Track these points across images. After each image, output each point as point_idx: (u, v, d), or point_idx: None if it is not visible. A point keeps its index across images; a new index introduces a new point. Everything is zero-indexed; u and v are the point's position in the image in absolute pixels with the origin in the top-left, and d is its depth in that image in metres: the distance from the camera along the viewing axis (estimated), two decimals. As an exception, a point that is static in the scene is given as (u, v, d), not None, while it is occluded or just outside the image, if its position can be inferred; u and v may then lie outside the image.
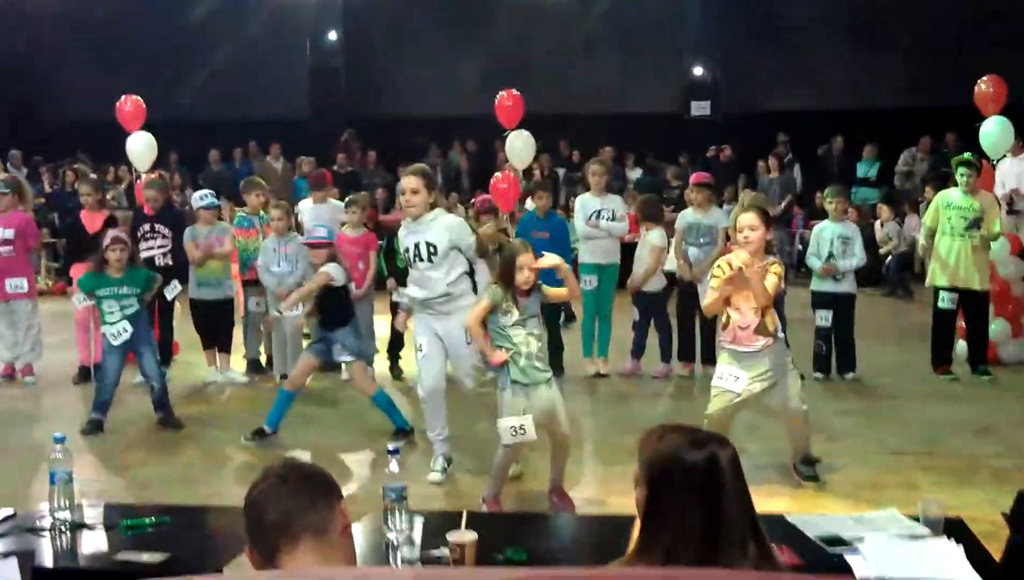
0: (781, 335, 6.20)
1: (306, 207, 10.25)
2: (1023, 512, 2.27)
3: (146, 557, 3.60)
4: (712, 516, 2.43)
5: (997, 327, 9.53)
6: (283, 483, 2.43)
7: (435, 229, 6.48)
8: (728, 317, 6.19)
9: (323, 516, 2.43)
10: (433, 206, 6.62)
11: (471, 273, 6.66)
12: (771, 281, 6.06)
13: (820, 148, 17.74)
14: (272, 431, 7.37)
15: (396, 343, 9.65)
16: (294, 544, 2.36)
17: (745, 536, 2.44)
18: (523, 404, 5.64)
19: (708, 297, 6.33)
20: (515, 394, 5.68)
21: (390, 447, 3.89)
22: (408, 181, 6.54)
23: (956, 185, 9.28)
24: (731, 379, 6.12)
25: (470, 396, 6.91)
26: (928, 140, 17.25)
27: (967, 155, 9.34)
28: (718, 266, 6.27)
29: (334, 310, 7.49)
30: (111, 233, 8.05)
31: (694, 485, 2.45)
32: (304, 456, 6.85)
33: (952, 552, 3.42)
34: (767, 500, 5.91)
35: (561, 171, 17.81)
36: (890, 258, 14.68)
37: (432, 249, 6.46)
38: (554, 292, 6.05)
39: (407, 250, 6.62)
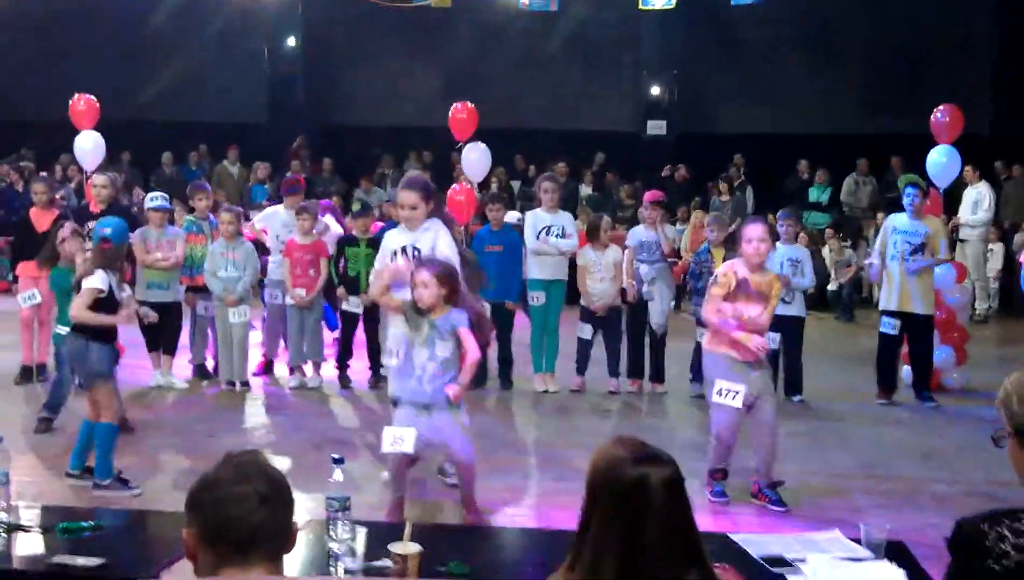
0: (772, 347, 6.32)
1: (275, 213, 10.16)
2: (962, 542, 2.27)
3: (81, 561, 3.55)
4: (632, 537, 2.34)
5: (942, 354, 9.62)
6: (262, 502, 2.29)
7: (428, 237, 6.28)
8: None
9: (285, 540, 2.37)
10: (432, 214, 6.39)
11: None
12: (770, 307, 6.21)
13: (787, 179, 17.79)
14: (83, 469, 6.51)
15: (345, 353, 9.60)
16: (247, 562, 2.28)
17: (676, 564, 2.36)
18: (410, 422, 5.61)
19: (709, 306, 6.31)
20: (405, 411, 5.70)
21: (334, 456, 3.86)
22: (405, 196, 6.34)
23: (902, 208, 9.37)
24: (730, 395, 6.11)
25: None
26: (865, 161, 17.32)
27: (913, 176, 9.42)
28: (724, 275, 6.26)
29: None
30: (67, 225, 7.95)
31: (619, 503, 2.37)
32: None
33: (893, 575, 3.45)
34: (711, 519, 5.93)
35: (516, 184, 17.83)
36: (833, 283, 14.82)
37: (417, 253, 6.25)
38: (466, 340, 5.82)
39: (395, 253, 6.35)
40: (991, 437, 2.42)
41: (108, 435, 6.46)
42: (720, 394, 6.16)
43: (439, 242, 6.23)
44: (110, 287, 6.45)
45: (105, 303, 6.45)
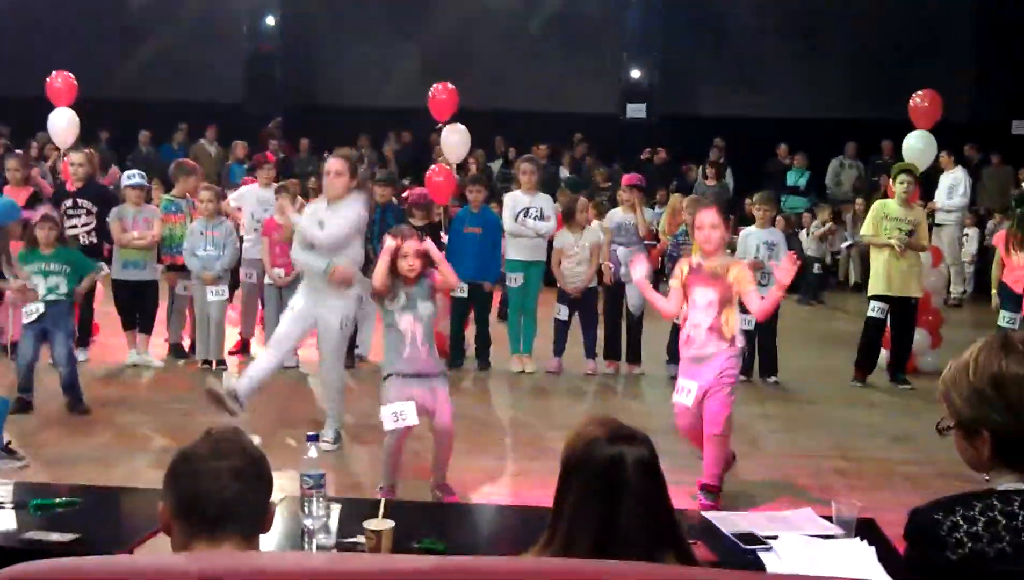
0: (740, 345, 6.11)
1: (250, 191, 10.13)
2: (917, 533, 2.28)
3: (55, 536, 3.54)
4: (607, 515, 2.37)
5: (918, 337, 9.68)
6: (236, 478, 2.31)
7: (345, 214, 6.85)
8: (685, 316, 6.09)
9: (260, 518, 2.37)
10: (358, 188, 7.05)
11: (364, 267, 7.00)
12: (747, 289, 6.02)
13: (767, 162, 17.84)
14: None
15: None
16: (218, 537, 2.28)
17: (652, 542, 2.37)
18: (405, 392, 5.65)
19: (670, 300, 6.20)
20: (397, 382, 5.69)
21: (309, 433, 3.86)
22: (333, 163, 6.92)
23: (890, 194, 9.42)
24: (684, 393, 6.01)
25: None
26: (854, 145, 17.46)
27: (907, 164, 9.47)
28: (679, 268, 6.19)
29: None
30: (40, 210, 7.91)
31: (593, 481, 2.39)
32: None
33: (863, 552, 3.48)
34: (686, 499, 5.96)
35: (495, 166, 17.78)
36: (818, 266, 14.84)
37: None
38: (442, 283, 6.06)
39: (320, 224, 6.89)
40: (936, 427, 2.40)
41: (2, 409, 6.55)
42: (677, 393, 6.11)
43: (344, 223, 6.84)
44: None
45: None
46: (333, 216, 6.85)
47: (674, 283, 6.17)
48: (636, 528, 2.37)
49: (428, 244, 5.84)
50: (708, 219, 6.05)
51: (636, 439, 2.47)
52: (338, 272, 6.79)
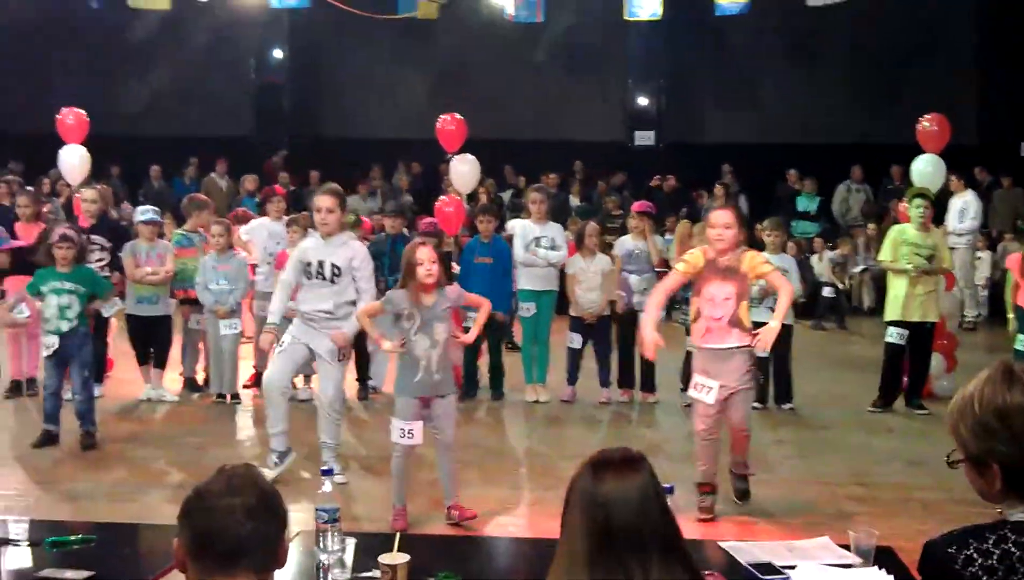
0: (758, 349, 6.13)
1: (261, 224, 10.14)
2: (931, 567, 2.26)
3: (70, 574, 3.53)
4: (606, 545, 2.32)
5: (933, 361, 9.63)
6: (249, 515, 2.30)
7: (343, 253, 6.82)
8: (699, 310, 6.09)
9: (274, 555, 2.37)
10: (343, 227, 7.03)
11: (355, 302, 6.85)
12: (765, 270, 6.11)
13: (777, 188, 17.82)
14: None
15: (364, 365, 9.58)
16: (232, 575, 2.28)
17: (661, 569, 2.31)
18: (415, 411, 5.86)
19: (661, 283, 6.46)
20: (409, 401, 5.87)
21: (323, 467, 3.86)
22: (323, 200, 6.85)
23: (902, 219, 9.37)
24: (704, 390, 6.00)
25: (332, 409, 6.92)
26: (860, 169, 17.44)
27: (923, 188, 9.43)
28: (691, 254, 6.19)
29: None
30: (59, 230, 7.92)
31: (582, 516, 2.35)
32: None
33: (882, 581, 3.46)
34: (700, 527, 5.94)
35: (506, 196, 17.83)
36: (829, 289, 14.74)
37: (336, 271, 6.79)
38: (473, 298, 6.27)
39: (309, 264, 6.85)
40: (946, 460, 2.38)
41: None
42: (696, 389, 6.10)
43: (362, 267, 6.82)
44: None
45: None
46: (337, 255, 6.81)
47: (680, 266, 6.21)
48: (638, 555, 2.31)
49: (481, 301, 6.19)
50: (722, 219, 6.06)
51: (635, 468, 2.41)
52: (263, 341, 7.06)
